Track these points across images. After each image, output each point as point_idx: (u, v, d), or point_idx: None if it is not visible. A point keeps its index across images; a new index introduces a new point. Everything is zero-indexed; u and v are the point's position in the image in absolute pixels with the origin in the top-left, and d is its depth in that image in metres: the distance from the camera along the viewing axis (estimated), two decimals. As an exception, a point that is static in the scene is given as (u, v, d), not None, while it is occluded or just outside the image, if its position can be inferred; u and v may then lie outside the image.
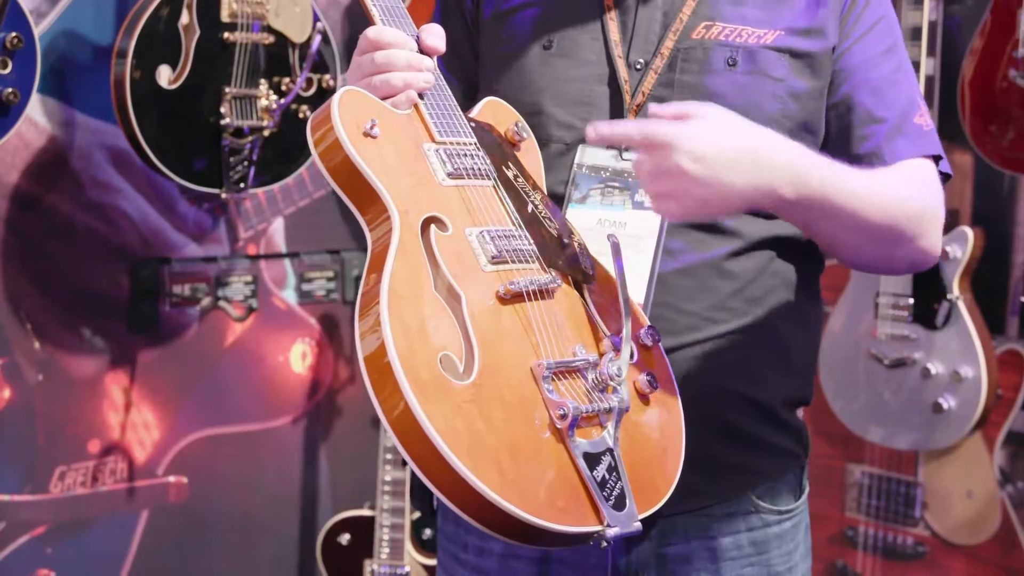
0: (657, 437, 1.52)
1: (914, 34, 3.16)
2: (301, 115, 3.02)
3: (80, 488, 3.13)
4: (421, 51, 1.59)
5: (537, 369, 1.44)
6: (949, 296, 3.21)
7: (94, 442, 3.15)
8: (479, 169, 1.58)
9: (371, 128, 1.50)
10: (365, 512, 3.39)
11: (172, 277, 3.21)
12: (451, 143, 1.57)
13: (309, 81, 3.04)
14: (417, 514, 3.38)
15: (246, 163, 2.98)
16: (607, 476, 1.42)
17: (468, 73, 1.80)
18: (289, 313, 3.47)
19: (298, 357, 3.49)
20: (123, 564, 3.23)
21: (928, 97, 3.19)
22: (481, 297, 1.46)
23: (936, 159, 1.73)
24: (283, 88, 2.99)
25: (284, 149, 3.04)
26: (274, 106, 2.96)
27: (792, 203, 1.51)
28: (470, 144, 1.59)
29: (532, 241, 1.55)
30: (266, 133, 2.98)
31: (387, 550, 3.32)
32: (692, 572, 1.71)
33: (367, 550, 3.35)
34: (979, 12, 3.24)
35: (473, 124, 1.62)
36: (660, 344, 1.57)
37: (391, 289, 1.40)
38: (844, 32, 1.71)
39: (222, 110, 2.92)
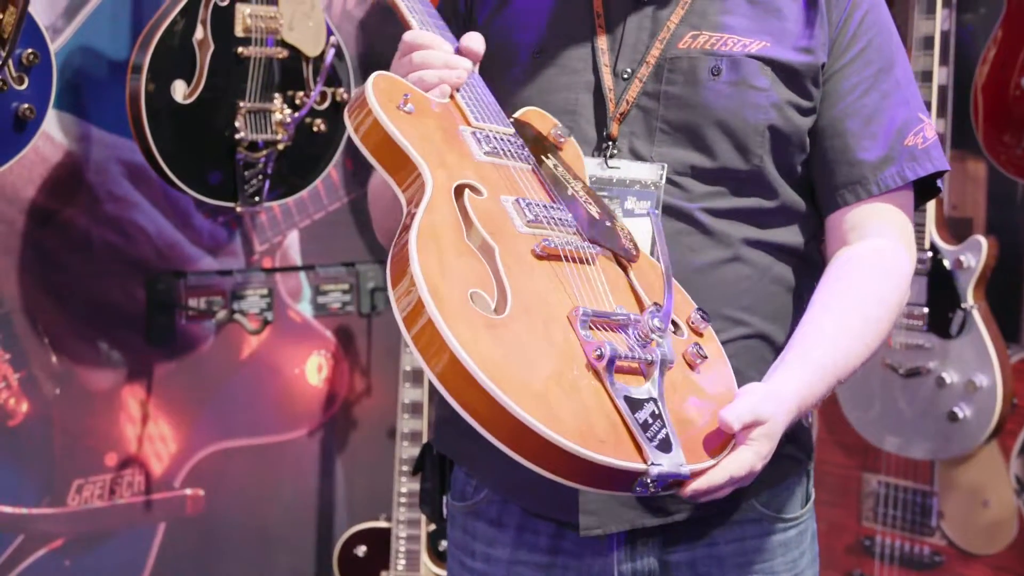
0: (707, 402, 1.46)
1: (927, 43, 3.16)
2: (315, 129, 3.04)
3: (97, 501, 3.14)
4: (459, 54, 1.62)
5: (574, 315, 1.39)
6: (964, 305, 3.21)
7: (111, 455, 3.16)
8: (517, 154, 1.56)
9: (404, 104, 1.49)
10: (381, 524, 3.39)
11: (188, 290, 3.22)
12: (488, 128, 1.57)
13: (323, 95, 3.05)
14: (433, 526, 3.38)
15: (261, 177, 2.99)
16: (650, 420, 1.36)
17: None
18: (304, 326, 3.48)
19: (314, 369, 3.50)
20: (141, 577, 3.24)
21: (941, 106, 3.19)
22: (515, 251, 1.42)
23: (935, 176, 1.74)
24: (297, 102, 3.01)
25: (299, 163, 3.06)
26: (288, 120, 2.98)
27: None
28: (508, 133, 1.59)
29: (573, 216, 1.53)
30: (280, 147, 2.99)
31: (403, 562, 3.32)
32: None
33: (383, 562, 3.35)
34: (992, 21, 3.25)
35: (512, 119, 1.63)
36: (710, 326, 1.55)
37: (420, 233, 1.36)
38: (835, 54, 1.70)
39: (236, 124, 2.93)
